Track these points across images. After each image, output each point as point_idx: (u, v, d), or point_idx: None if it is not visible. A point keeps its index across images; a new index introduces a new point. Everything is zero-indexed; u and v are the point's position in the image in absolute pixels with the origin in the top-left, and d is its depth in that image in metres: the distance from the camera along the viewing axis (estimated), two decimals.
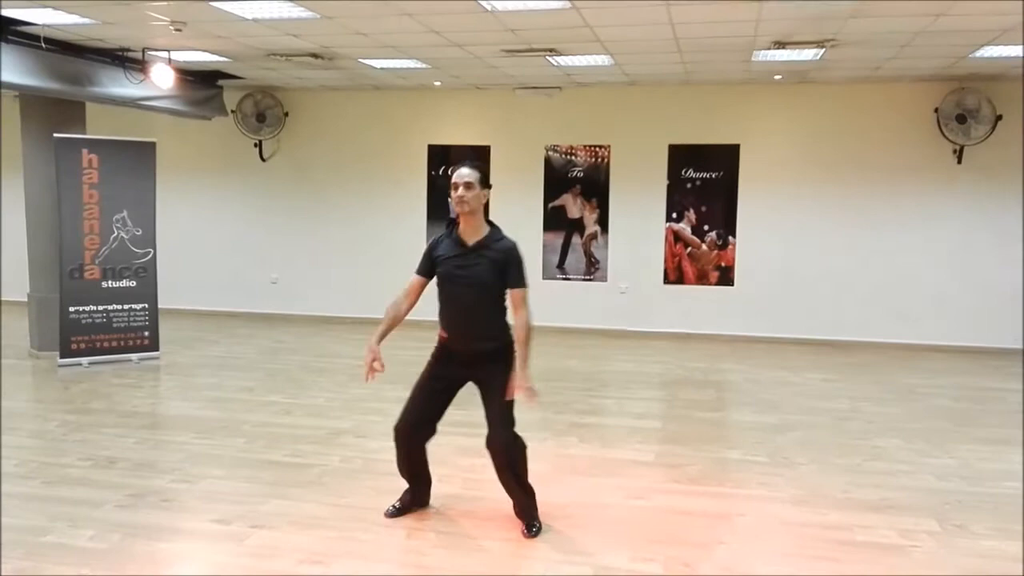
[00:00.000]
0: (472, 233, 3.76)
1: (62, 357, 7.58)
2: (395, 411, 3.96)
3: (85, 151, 7.62)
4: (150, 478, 4.62)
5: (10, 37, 6.93)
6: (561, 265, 10.08)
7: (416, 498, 4.12)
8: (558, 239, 10.07)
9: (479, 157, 9.58)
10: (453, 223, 3.85)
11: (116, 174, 7.75)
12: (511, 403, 3.70)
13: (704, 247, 9.72)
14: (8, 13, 6.53)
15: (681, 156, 9.66)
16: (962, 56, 7.56)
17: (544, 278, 10.06)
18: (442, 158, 10.19)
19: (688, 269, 9.77)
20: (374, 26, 6.77)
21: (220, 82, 9.57)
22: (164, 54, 7.89)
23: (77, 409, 6.14)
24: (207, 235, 10.98)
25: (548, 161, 10.04)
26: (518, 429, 3.80)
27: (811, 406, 6.55)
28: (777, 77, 8.85)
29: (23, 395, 6.72)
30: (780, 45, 7.12)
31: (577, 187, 9.98)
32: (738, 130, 9.49)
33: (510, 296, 3.75)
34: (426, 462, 4.06)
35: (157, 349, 8.05)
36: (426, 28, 6.75)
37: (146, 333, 8.00)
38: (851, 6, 5.83)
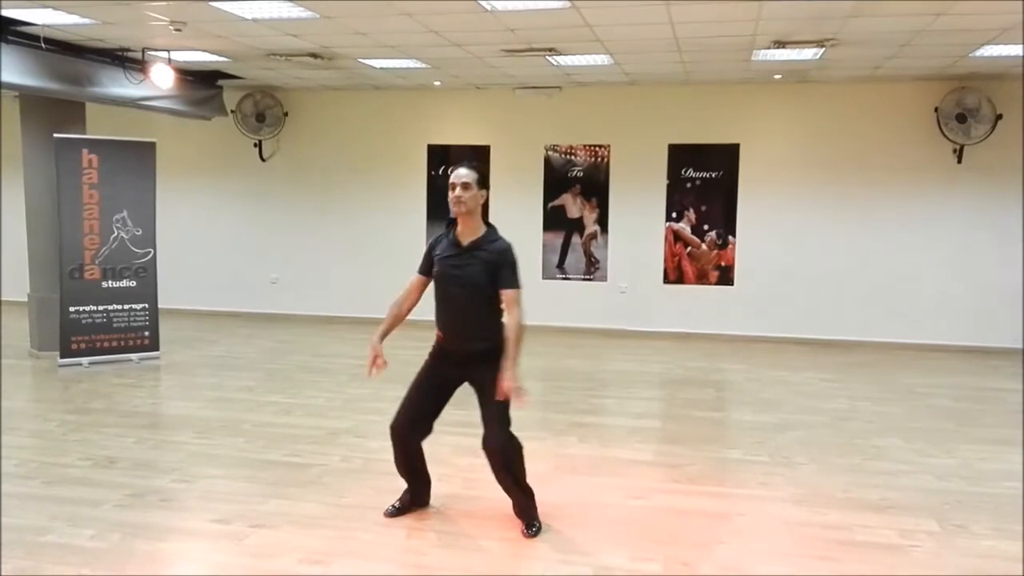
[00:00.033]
0: (469, 233, 3.76)
1: (62, 357, 7.58)
2: (395, 411, 3.97)
3: (85, 151, 7.63)
4: (150, 478, 4.62)
5: (10, 37, 6.93)
6: (561, 265, 10.08)
7: (416, 498, 4.12)
8: (558, 239, 10.07)
9: (479, 157, 9.59)
10: (453, 222, 3.85)
11: (116, 174, 7.76)
12: (507, 404, 3.68)
13: (704, 247, 9.72)
14: (8, 13, 6.53)
15: (681, 156, 9.66)
16: (962, 55, 7.56)
17: (544, 278, 10.07)
18: (442, 158, 10.19)
19: (688, 269, 9.77)
20: (374, 26, 6.77)
21: (220, 82, 9.57)
22: (164, 54, 7.89)
23: (77, 409, 6.15)
24: (207, 235, 10.98)
25: (548, 161, 10.04)
26: (517, 429, 3.80)
27: (811, 406, 6.55)
28: (777, 77, 8.85)
29: (23, 395, 6.72)
30: (780, 44, 7.12)
31: (577, 187, 9.99)
32: (738, 130, 9.49)
33: (503, 296, 3.70)
34: (423, 461, 4.05)
35: (157, 349, 8.06)
36: (426, 28, 6.75)
37: (146, 333, 8.00)
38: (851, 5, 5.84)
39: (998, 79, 8.59)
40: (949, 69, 8.24)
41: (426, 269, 3.88)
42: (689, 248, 9.75)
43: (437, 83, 9.68)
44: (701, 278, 9.75)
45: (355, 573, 3.48)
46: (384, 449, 4.03)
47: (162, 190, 8.42)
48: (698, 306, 9.75)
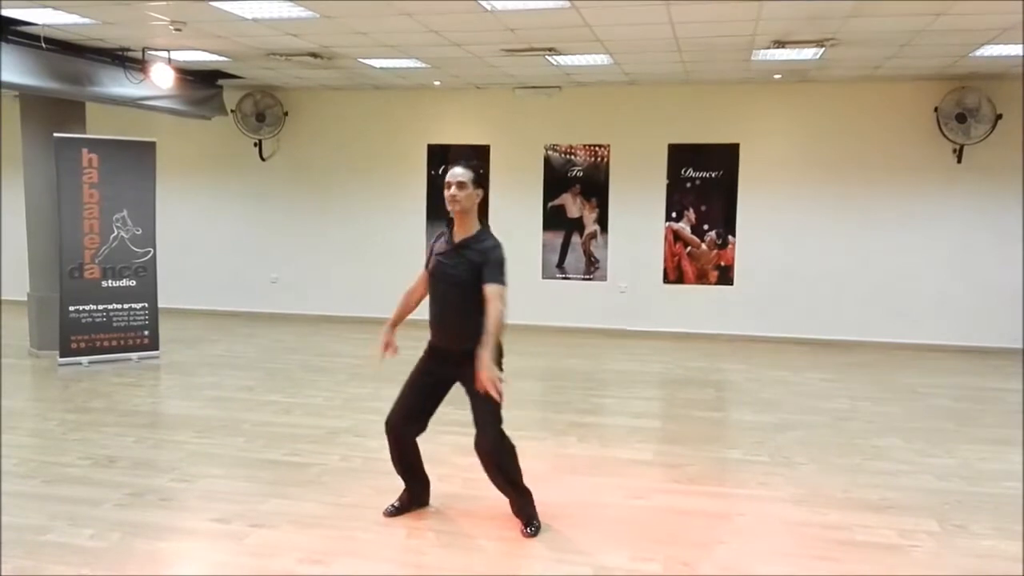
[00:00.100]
0: (462, 232, 3.77)
1: (62, 356, 7.58)
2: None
3: (85, 151, 7.62)
4: (150, 477, 4.62)
5: (10, 37, 6.93)
6: (561, 264, 10.08)
7: (415, 497, 4.12)
8: (558, 238, 10.07)
9: (478, 157, 9.59)
10: (452, 221, 3.86)
11: (116, 174, 7.76)
12: (498, 403, 3.66)
13: (704, 246, 9.72)
14: (8, 13, 6.53)
15: (681, 155, 9.66)
16: (962, 55, 7.56)
17: (544, 277, 10.07)
18: (442, 157, 10.19)
19: (688, 268, 9.77)
20: (374, 26, 6.77)
21: (220, 82, 9.57)
22: (164, 54, 7.89)
23: (77, 408, 6.15)
24: (207, 234, 10.98)
25: (548, 160, 10.03)
26: (517, 429, 3.80)
27: (811, 406, 6.55)
28: (777, 76, 8.85)
29: (23, 394, 6.72)
30: (780, 44, 7.11)
31: (577, 186, 9.98)
32: (738, 129, 9.49)
33: (484, 291, 3.61)
34: (420, 459, 4.05)
35: (157, 348, 8.06)
36: (426, 28, 6.75)
37: (146, 332, 8.00)
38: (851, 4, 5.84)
39: (998, 79, 8.59)
40: (949, 69, 8.24)
41: (427, 264, 3.93)
42: (689, 248, 9.75)
43: (437, 83, 9.68)
44: (701, 278, 9.75)
45: (354, 573, 3.48)
46: (384, 448, 4.03)
47: (162, 190, 8.42)
48: (698, 306, 9.75)
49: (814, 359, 8.55)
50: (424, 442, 4.02)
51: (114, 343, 7.82)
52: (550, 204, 10.06)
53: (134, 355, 7.88)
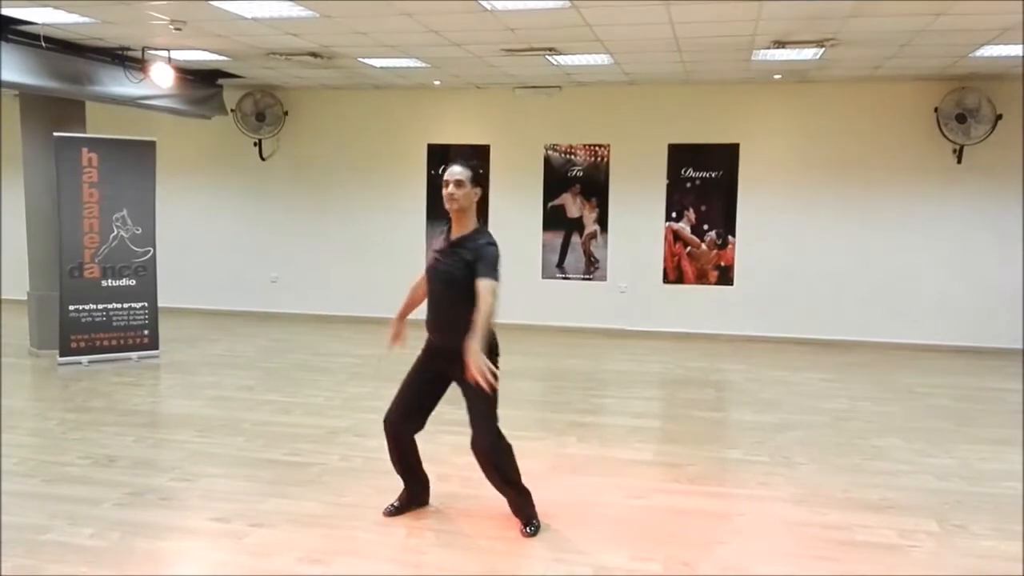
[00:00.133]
0: (459, 231, 3.77)
1: (62, 355, 7.58)
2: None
3: (85, 150, 7.62)
4: (149, 476, 4.62)
5: (10, 36, 6.93)
6: (560, 264, 10.08)
7: (414, 497, 4.12)
8: (557, 238, 10.06)
9: (478, 156, 9.58)
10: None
11: (116, 173, 7.76)
12: (493, 402, 3.65)
13: (704, 246, 9.72)
14: (8, 12, 6.53)
15: (681, 155, 9.66)
16: (962, 55, 7.56)
17: (543, 277, 10.07)
18: (442, 157, 10.17)
19: (688, 268, 9.77)
20: (374, 25, 6.77)
21: (220, 81, 9.57)
22: (164, 53, 7.89)
23: (77, 407, 6.14)
24: (207, 234, 10.98)
25: (548, 160, 10.03)
26: (516, 429, 3.80)
27: (811, 406, 6.55)
28: (777, 77, 8.85)
29: (23, 393, 6.72)
30: (780, 44, 7.11)
31: (577, 186, 9.98)
32: (738, 129, 9.49)
33: (476, 286, 3.56)
34: (418, 458, 4.05)
35: (157, 348, 8.06)
36: (426, 27, 6.75)
37: (146, 332, 8.00)
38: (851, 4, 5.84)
39: (998, 79, 8.59)
40: (949, 69, 8.24)
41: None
42: (689, 248, 9.75)
43: (437, 82, 9.68)
44: (701, 278, 9.75)
45: (354, 572, 3.48)
46: (383, 448, 4.03)
47: (162, 189, 8.42)
48: (698, 306, 9.75)
49: (814, 359, 8.55)
50: (423, 442, 4.02)
51: (114, 342, 7.82)
52: (550, 204, 10.06)
53: (134, 354, 7.88)
